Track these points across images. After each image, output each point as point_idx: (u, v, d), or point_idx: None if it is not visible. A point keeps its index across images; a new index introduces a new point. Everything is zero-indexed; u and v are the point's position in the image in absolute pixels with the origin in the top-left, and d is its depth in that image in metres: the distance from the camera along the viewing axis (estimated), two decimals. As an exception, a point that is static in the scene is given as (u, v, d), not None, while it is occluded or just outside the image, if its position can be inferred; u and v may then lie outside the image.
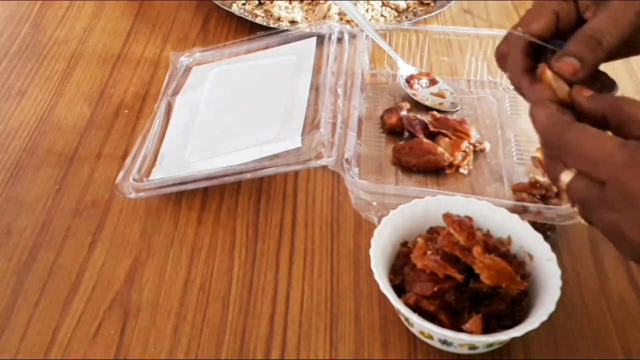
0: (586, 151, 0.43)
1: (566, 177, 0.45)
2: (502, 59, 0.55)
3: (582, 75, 0.49)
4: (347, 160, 0.65)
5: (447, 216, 0.58)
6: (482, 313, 0.54)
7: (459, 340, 0.53)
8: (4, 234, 0.66)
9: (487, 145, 0.73)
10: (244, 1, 0.94)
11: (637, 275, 0.62)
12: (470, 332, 0.53)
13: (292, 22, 0.91)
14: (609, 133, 0.45)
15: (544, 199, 0.65)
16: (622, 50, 0.50)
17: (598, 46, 0.48)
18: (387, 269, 0.58)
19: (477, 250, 0.55)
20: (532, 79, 0.51)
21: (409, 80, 0.81)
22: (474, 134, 0.73)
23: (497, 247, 0.57)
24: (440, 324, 0.54)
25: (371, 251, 0.56)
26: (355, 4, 0.91)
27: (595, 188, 0.44)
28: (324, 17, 0.91)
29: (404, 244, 0.60)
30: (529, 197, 0.65)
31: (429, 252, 0.56)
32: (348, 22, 0.89)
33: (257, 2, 0.94)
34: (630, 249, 0.45)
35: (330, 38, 0.80)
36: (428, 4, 0.95)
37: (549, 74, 0.49)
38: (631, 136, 0.43)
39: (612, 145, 0.43)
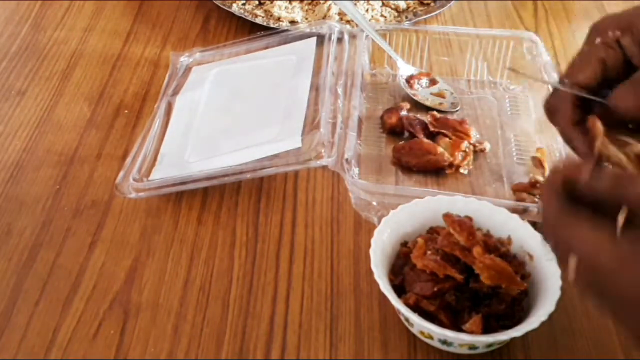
0: (581, 246, 0.44)
1: (572, 262, 0.45)
2: (551, 112, 0.53)
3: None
4: (347, 160, 0.65)
5: (447, 216, 0.58)
6: (482, 313, 0.54)
7: (459, 340, 0.53)
8: (4, 234, 0.66)
9: (487, 145, 0.73)
10: (244, 1, 0.94)
11: (637, 275, 0.62)
12: (470, 332, 0.53)
13: (292, 22, 0.91)
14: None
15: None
16: None
17: None
18: (387, 269, 0.58)
19: (477, 250, 0.55)
20: (584, 132, 0.49)
21: (409, 80, 0.81)
22: (474, 134, 0.73)
23: (497, 247, 0.57)
24: (440, 324, 0.54)
25: (371, 251, 0.56)
26: (355, 4, 0.91)
27: (595, 277, 0.44)
28: (324, 17, 0.90)
29: (404, 244, 0.60)
30: (529, 197, 0.65)
31: (429, 252, 0.56)
32: (348, 22, 0.89)
33: (257, 2, 0.94)
34: (631, 335, 0.45)
35: (330, 38, 0.80)
36: (428, 4, 0.95)
37: (599, 125, 0.47)
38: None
39: (604, 242, 0.42)
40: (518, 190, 0.67)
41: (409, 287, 0.56)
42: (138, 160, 0.69)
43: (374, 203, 0.64)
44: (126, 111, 0.79)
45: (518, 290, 0.55)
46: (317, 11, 0.92)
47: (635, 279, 0.41)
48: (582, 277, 0.44)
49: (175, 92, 0.79)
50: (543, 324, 0.52)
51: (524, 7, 0.97)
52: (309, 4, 0.94)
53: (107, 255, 0.64)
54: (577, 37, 0.91)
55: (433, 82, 0.81)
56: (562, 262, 0.45)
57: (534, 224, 0.59)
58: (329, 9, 0.91)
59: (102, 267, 0.63)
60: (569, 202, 0.44)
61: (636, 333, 0.43)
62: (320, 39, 0.81)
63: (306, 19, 0.92)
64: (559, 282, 0.54)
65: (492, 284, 0.54)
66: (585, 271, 0.44)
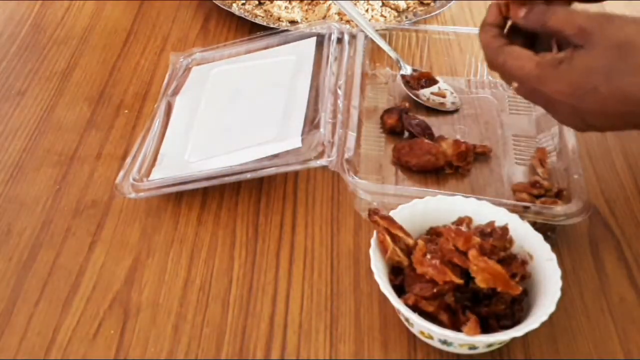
0: (511, 71, 0.58)
1: (514, 84, 0.59)
2: None
3: None
4: (347, 160, 0.65)
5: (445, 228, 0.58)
6: (482, 313, 0.54)
7: (459, 340, 0.53)
8: (4, 234, 0.66)
9: (487, 145, 0.73)
10: (244, 1, 0.94)
11: (637, 275, 0.62)
12: (469, 335, 0.53)
13: (292, 22, 0.91)
14: (531, 52, 0.57)
15: (544, 199, 0.65)
16: None
17: None
18: (387, 269, 0.58)
19: (472, 253, 0.54)
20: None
21: (409, 80, 0.81)
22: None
23: (494, 251, 0.56)
24: (440, 324, 0.54)
25: (371, 251, 0.56)
26: (355, 4, 0.91)
27: (528, 91, 0.59)
28: (324, 17, 0.91)
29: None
30: (529, 197, 0.65)
31: (428, 256, 0.55)
32: (348, 22, 0.89)
33: (257, 2, 0.94)
34: (558, 120, 0.61)
35: (330, 38, 0.80)
36: (428, 4, 0.95)
37: None
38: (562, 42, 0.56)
39: (529, 65, 0.57)
40: (518, 190, 0.67)
41: (409, 287, 0.56)
42: (138, 160, 0.69)
43: (374, 203, 0.64)
44: (126, 111, 0.79)
45: (513, 294, 0.54)
46: (317, 11, 0.92)
47: (553, 89, 0.56)
48: (521, 91, 0.59)
49: (175, 92, 0.79)
50: (543, 324, 0.52)
51: (524, 7, 0.96)
52: (309, 4, 0.94)
53: (107, 255, 0.64)
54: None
55: (433, 82, 0.81)
56: (508, 83, 0.60)
57: (534, 224, 0.59)
58: (329, 9, 0.91)
59: (102, 267, 0.63)
60: (503, 38, 0.60)
61: (561, 120, 0.61)
62: (320, 39, 0.80)
63: (306, 19, 0.92)
64: (559, 282, 0.54)
65: (486, 287, 0.54)
66: (521, 88, 0.59)
